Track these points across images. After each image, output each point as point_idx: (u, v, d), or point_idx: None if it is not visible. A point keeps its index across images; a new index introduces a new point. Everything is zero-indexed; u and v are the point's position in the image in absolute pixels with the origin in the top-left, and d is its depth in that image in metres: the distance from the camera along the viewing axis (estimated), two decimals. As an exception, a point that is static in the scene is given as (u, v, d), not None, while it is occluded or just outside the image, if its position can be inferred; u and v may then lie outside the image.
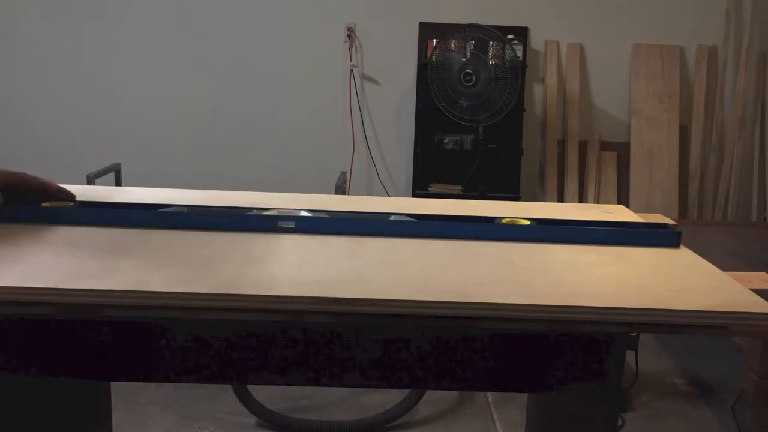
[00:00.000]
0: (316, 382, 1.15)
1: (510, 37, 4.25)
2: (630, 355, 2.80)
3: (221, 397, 2.86)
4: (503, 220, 1.36)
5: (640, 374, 3.00)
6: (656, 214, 1.53)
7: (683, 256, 1.28)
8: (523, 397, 1.76)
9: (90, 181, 3.37)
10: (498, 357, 1.13)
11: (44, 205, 1.31)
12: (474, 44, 4.13)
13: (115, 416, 2.16)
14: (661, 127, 4.59)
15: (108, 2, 4.51)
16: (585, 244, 1.30)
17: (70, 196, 1.34)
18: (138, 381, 1.18)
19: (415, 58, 4.48)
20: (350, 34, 4.53)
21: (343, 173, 4.22)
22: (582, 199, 4.49)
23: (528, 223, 1.36)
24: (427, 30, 4.45)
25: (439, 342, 1.12)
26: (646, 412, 2.94)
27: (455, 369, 1.13)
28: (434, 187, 4.41)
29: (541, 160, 4.68)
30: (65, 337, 1.11)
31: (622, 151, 4.62)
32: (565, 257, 1.23)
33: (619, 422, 2.77)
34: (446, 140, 4.41)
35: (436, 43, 4.28)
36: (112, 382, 1.79)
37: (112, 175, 3.76)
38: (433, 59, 4.16)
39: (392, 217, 1.37)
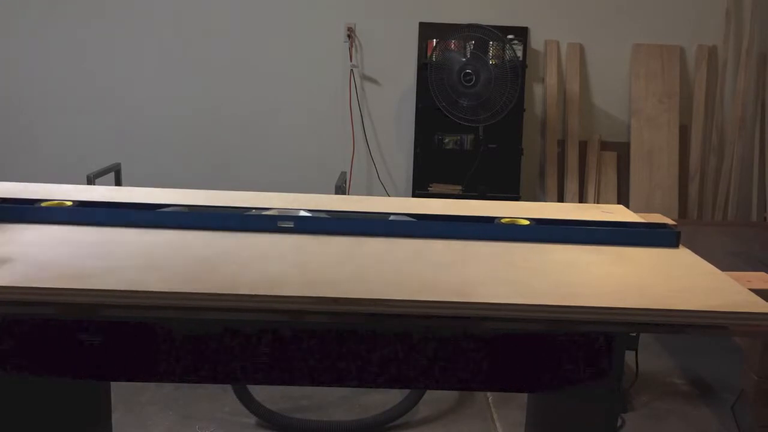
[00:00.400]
0: (316, 382, 1.15)
1: (510, 37, 4.25)
2: (630, 355, 2.80)
3: (221, 397, 2.86)
4: (503, 220, 1.37)
5: (640, 374, 3.00)
6: (656, 214, 1.53)
7: (683, 256, 1.28)
8: (523, 397, 1.76)
9: (90, 181, 3.37)
10: (498, 357, 1.13)
11: (44, 204, 1.32)
12: (474, 44, 4.12)
13: (115, 416, 2.16)
14: (661, 127, 4.59)
15: (108, 2, 4.51)
16: (585, 244, 1.30)
17: None
18: (137, 381, 1.18)
19: (415, 58, 4.48)
20: (350, 34, 4.53)
21: (343, 173, 4.22)
22: (582, 199, 4.49)
23: (528, 223, 1.36)
24: (427, 30, 4.45)
25: (439, 342, 1.12)
26: (646, 412, 2.94)
27: (455, 369, 1.13)
28: (434, 187, 4.40)
29: (541, 160, 4.68)
30: (65, 337, 1.11)
31: (622, 151, 4.62)
32: (565, 257, 1.23)
33: (619, 422, 2.77)
34: (446, 140, 4.41)
35: (436, 43, 4.28)
36: (112, 382, 1.79)
37: (112, 175, 3.76)
38: (433, 59, 4.16)
39: (392, 217, 1.37)
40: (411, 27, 4.48)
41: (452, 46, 4.16)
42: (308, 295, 1.01)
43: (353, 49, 4.55)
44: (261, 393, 2.76)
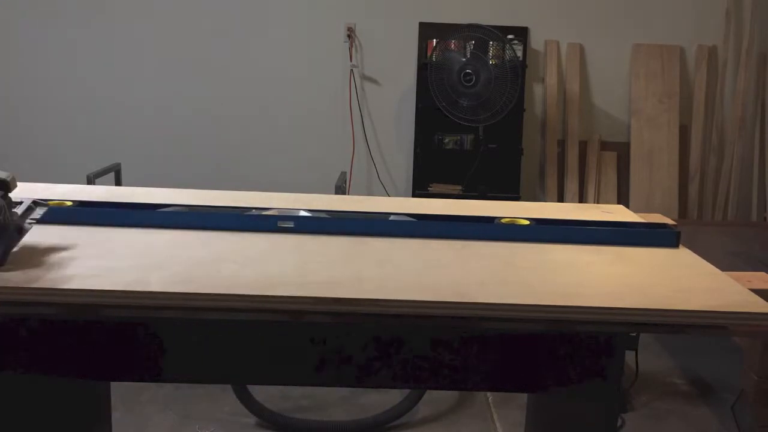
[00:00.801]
0: (316, 382, 1.15)
1: (510, 37, 4.25)
2: (630, 355, 2.80)
3: (221, 397, 2.86)
4: (503, 220, 1.37)
5: (640, 374, 3.00)
6: (656, 214, 1.53)
7: (683, 256, 1.28)
8: (523, 397, 1.76)
9: (90, 181, 3.37)
10: (498, 357, 1.13)
11: (44, 205, 1.31)
12: (474, 44, 4.12)
13: (115, 416, 2.16)
14: (661, 127, 4.59)
15: (108, 2, 4.51)
16: (585, 244, 1.30)
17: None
18: (138, 381, 1.18)
19: (415, 58, 4.48)
20: (350, 34, 4.53)
21: (343, 173, 4.22)
22: (582, 199, 4.49)
23: (528, 223, 1.36)
24: (427, 30, 4.45)
25: (439, 342, 1.12)
26: (646, 412, 2.94)
27: (455, 369, 1.13)
28: (434, 187, 4.40)
29: (541, 160, 4.68)
30: (65, 337, 1.11)
31: (622, 151, 4.62)
32: (565, 257, 1.23)
33: (619, 422, 2.77)
34: (446, 140, 4.41)
35: (436, 43, 4.28)
36: (112, 382, 1.79)
37: (112, 175, 3.76)
38: (433, 59, 4.16)
39: (392, 217, 1.37)
40: (411, 27, 4.48)
41: (452, 46, 4.16)
42: (308, 295, 1.01)
43: (353, 49, 4.55)
44: (261, 393, 2.76)
